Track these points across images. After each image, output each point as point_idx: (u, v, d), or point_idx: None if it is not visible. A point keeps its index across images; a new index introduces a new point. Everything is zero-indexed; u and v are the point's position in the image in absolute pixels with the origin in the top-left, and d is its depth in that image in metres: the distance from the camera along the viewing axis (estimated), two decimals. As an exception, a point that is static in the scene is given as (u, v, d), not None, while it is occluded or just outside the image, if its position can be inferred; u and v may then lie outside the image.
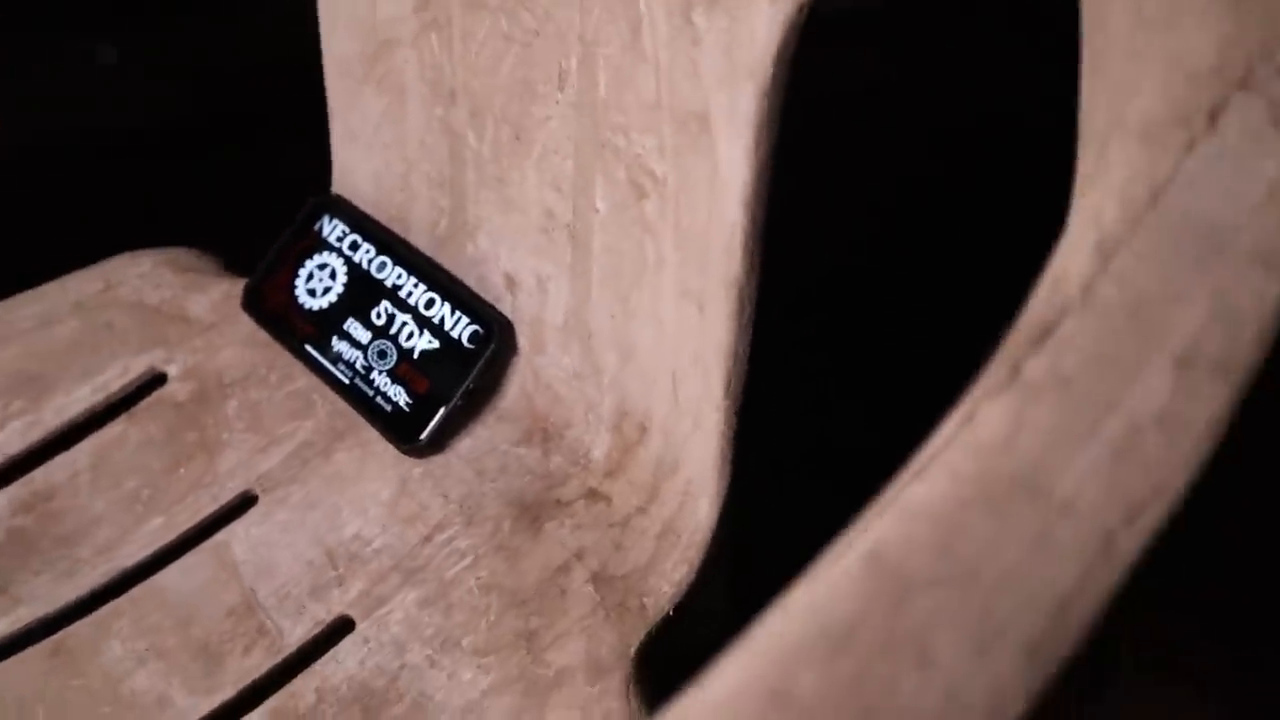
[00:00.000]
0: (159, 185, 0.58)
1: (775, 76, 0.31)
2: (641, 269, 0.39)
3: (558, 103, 0.40)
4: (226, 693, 0.43)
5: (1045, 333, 0.19)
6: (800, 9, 0.30)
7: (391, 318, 0.49)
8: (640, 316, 0.40)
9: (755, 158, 0.32)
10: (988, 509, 0.17)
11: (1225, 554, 0.62)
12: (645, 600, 0.40)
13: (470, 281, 0.49)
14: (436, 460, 0.47)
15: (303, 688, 0.42)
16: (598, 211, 0.40)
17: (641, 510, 0.42)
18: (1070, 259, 0.20)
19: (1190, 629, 0.63)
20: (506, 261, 0.46)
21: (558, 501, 0.44)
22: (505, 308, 0.47)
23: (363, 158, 0.51)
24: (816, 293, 0.57)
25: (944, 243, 0.68)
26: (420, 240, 0.50)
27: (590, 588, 0.41)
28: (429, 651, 0.42)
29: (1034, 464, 0.17)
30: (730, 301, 0.35)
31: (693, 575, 0.39)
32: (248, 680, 0.43)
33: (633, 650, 0.38)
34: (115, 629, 0.45)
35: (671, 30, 0.34)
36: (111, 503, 0.49)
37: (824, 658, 0.15)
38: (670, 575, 0.40)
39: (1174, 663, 0.64)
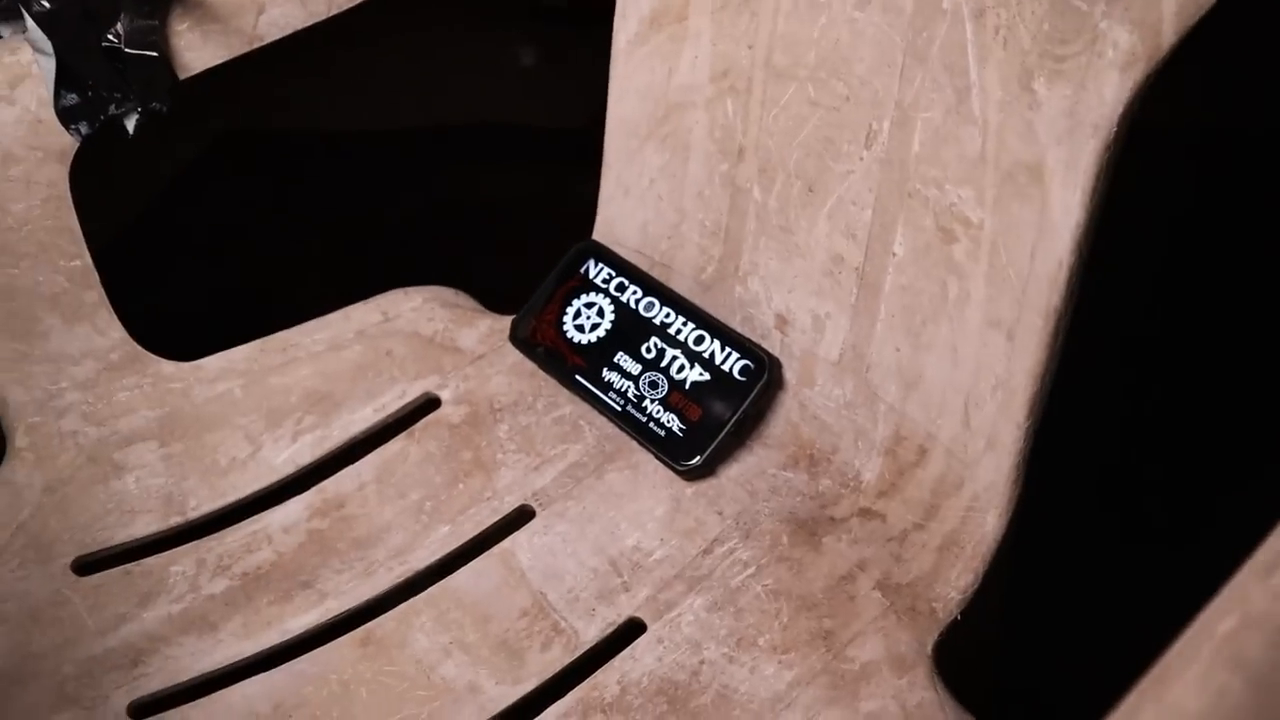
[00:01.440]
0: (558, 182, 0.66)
1: (1119, 132, 0.36)
2: (940, 305, 0.44)
3: (861, 159, 0.46)
4: (532, 683, 0.47)
5: None
6: (1149, 76, 0.35)
7: (661, 352, 0.54)
8: (933, 349, 0.45)
9: (1091, 202, 0.37)
10: None
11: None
12: (935, 605, 0.44)
13: (735, 321, 0.54)
14: (708, 482, 0.52)
15: (605, 680, 0.46)
16: (895, 255, 0.45)
17: (919, 526, 0.46)
18: None
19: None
20: (779, 303, 0.51)
21: (831, 519, 0.49)
22: (772, 344, 0.52)
23: (633, 209, 0.56)
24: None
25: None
26: (683, 284, 0.55)
27: (878, 594, 0.45)
28: (725, 650, 0.46)
29: None
30: (1047, 330, 0.40)
31: (978, 583, 0.43)
32: (550, 673, 0.47)
33: (929, 648, 0.42)
34: (417, 624, 0.49)
35: (1006, 96, 0.39)
36: (398, 511, 0.53)
37: None
38: (956, 583, 0.44)
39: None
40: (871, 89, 0.44)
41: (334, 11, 0.55)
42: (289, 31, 0.55)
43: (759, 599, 0.47)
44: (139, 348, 0.56)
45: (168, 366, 0.57)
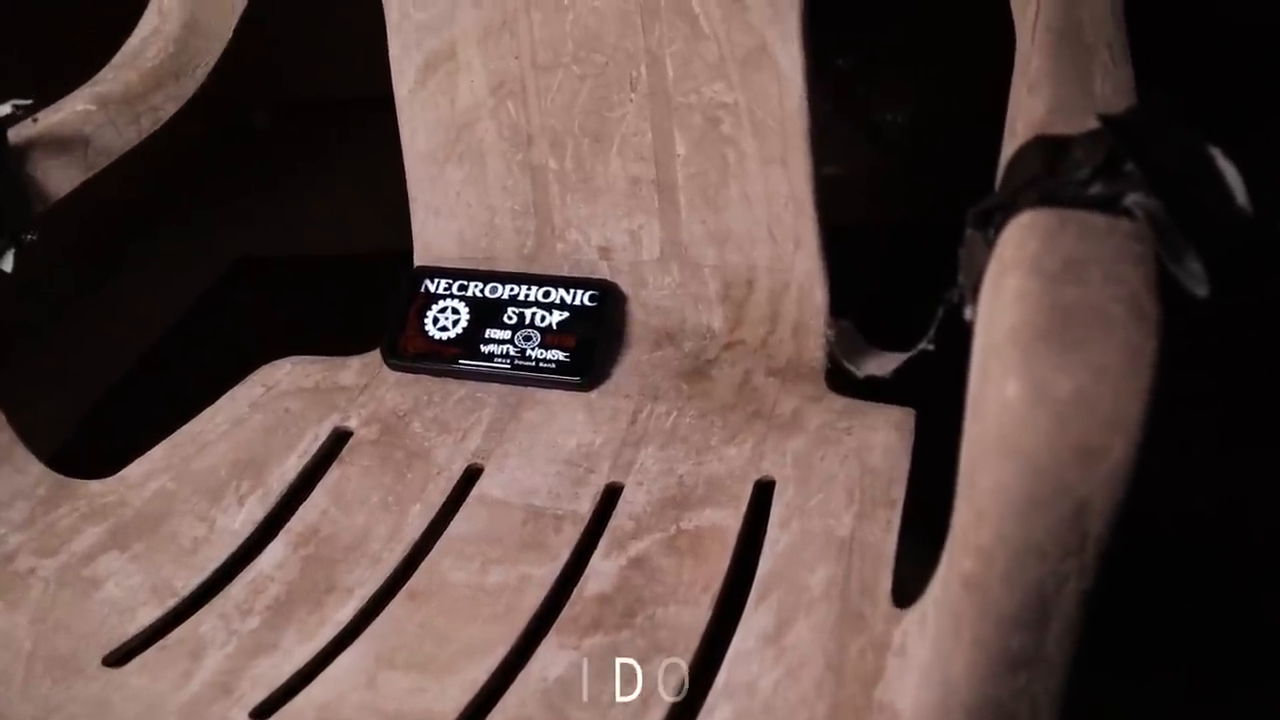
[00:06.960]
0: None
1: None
2: (725, 172, 0.63)
3: (632, 100, 0.64)
4: (566, 553, 0.57)
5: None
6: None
7: (521, 315, 0.67)
8: (730, 205, 0.63)
9: (805, 48, 0.58)
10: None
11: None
12: (811, 365, 0.61)
13: (565, 269, 0.68)
14: (605, 384, 0.65)
15: (619, 524, 0.57)
16: (679, 155, 0.64)
17: (770, 332, 0.64)
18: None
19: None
20: (598, 238, 0.67)
21: (708, 361, 0.65)
22: (603, 271, 0.68)
23: (446, 225, 0.70)
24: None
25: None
26: (510, 265, 0.69)
27: (771, 378, 0.61)
28: (692, 462, 0.59)
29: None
30: (807, 146, 0.59)
31: (833, 336, 0.62)
32: (575, 541, 0.57)
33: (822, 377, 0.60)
34: (445, 566, 0.57)
35: (724, 11, 0.59)
36: (369, 513, 0.61)
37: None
38: (816, 349, 0.62)
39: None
40: (624, 50, 0.63)
41: (143, 136, 0.63)
42: (114, 158, 0.62)
43: (693, 424, 0.61)
44: (61, 476, 0.58)
45: (94, 485, 0.59)
